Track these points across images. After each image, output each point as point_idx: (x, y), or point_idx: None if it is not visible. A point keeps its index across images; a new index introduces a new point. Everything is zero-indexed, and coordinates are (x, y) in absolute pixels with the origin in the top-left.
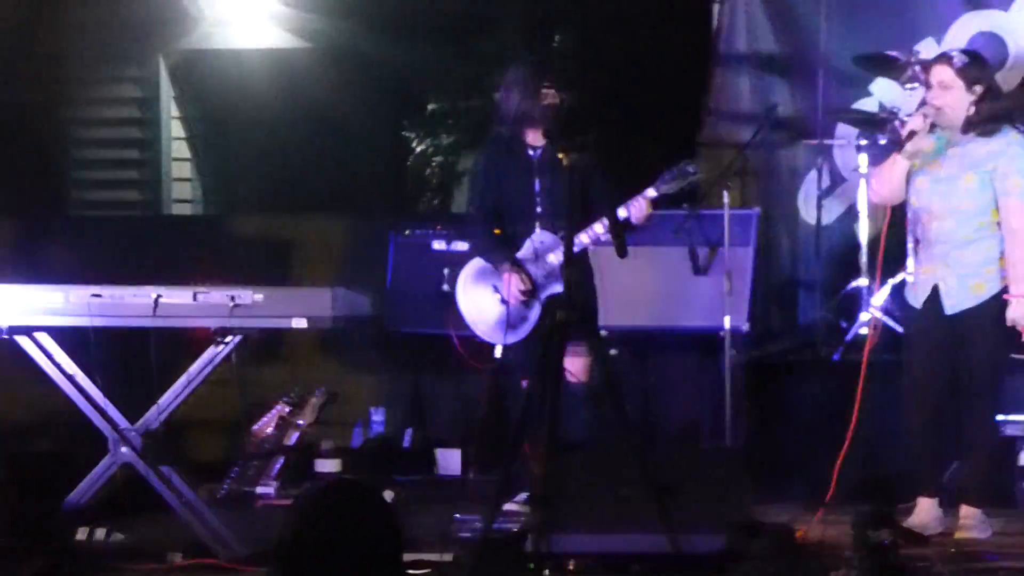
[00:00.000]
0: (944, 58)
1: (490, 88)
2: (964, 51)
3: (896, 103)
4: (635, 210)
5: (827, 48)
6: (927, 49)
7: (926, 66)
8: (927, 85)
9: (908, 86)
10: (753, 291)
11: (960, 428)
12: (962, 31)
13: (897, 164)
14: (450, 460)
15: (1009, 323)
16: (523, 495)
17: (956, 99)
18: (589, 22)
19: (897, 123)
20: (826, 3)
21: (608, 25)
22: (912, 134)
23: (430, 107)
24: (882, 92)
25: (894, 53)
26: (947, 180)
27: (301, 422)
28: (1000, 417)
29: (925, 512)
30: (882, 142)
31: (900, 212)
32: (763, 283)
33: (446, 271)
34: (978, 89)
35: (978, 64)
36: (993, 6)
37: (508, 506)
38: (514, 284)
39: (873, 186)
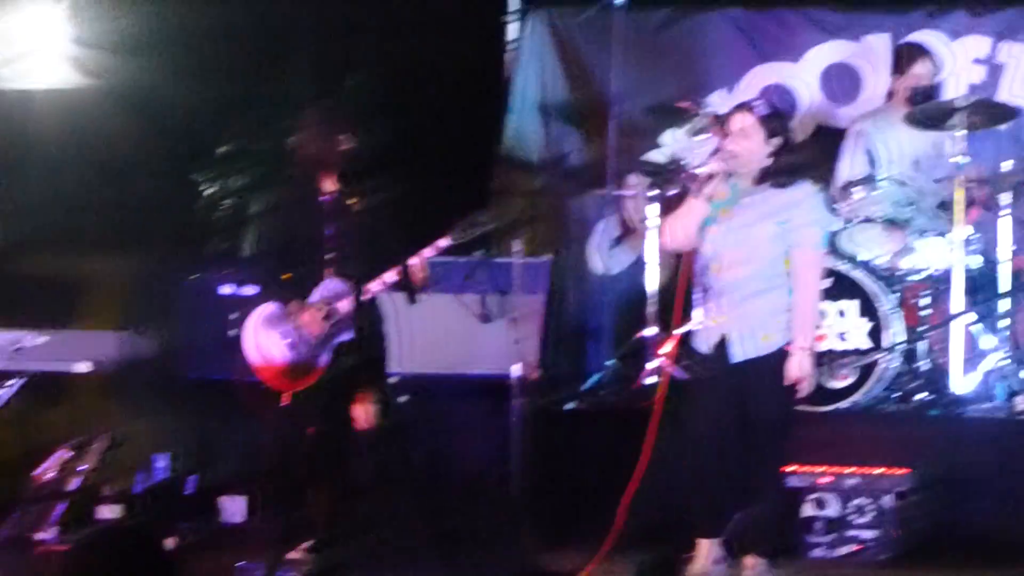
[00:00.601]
0: (746, 106)
1: (282, 131)
2: (766, 102)
3: (686, 154)
4: (412, 271)
5: (619, 98)
6: (718, 101)
7: (725, 115)
8: (725, 133)
9: (698, 137)
10: (543, 339)
11: (746, 477)
12: (753, 83)
13: (694, 209)
14: (235, 507)
15: (791, 377)
16: (308, 542)
17: (754, 148)
18: (384, 68)
19: (687, 175)
20: (618, 54)
21: (402, 71)
22: (711, 176)
23: (220, 149)
24: (672, 143)
25: (685, 104)
26: (741, 229)
27: (83, 467)
28: (785, 468)
29: (705, 556)
30: (672, 192)
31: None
32: (553, 331)
33: (234, 316)
34: (776, 140)
35: (777, 115)
36: (783, 58)
37: (292, 554)
38: (307, 317)
39: (668, 233)
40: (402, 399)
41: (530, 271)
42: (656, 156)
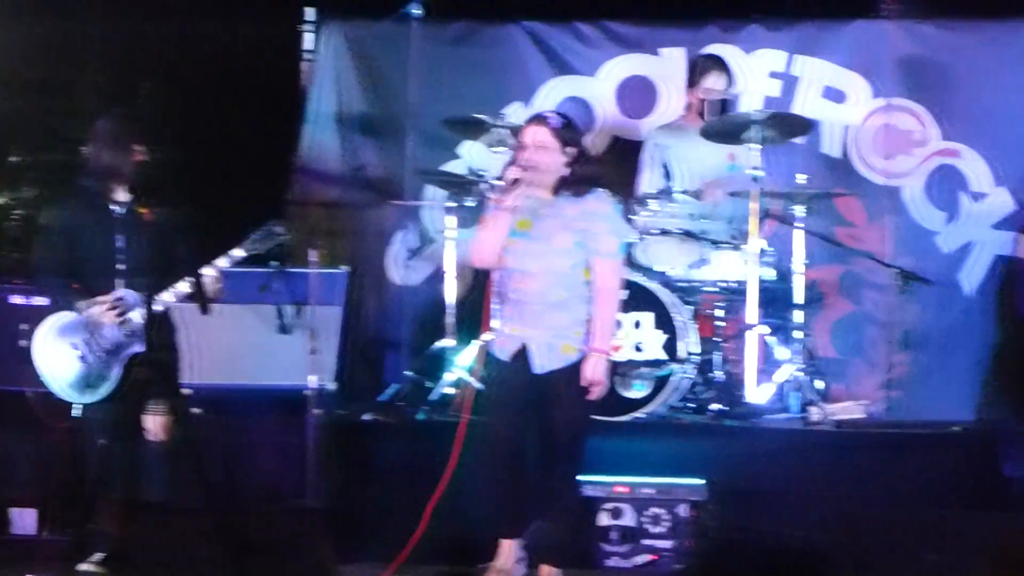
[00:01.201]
0: (541, 119)
1: (74, 141)
2: (560, 114)
3: (484, 166)
4: (205, 282)
5: (416, 110)
6: (515, 113)
7: (521, 127)
8: (521, 146)
9: (495, 149)
10: (341, 350)
11: (542, 487)
12: (550, 96)
13: (500, 221)
14: (25, 519)
15: (586, 379)
16: (99, 555)
17: (551, 159)
18: (177, 78)
19: (486, 185)
20: (415, 66)
21: (197, 82)
22: (509, 186)
23: (11, 159)
24: (470, 155)
25: (482, 116)
26: (540, 240)
27: None
28: (582, 477)
29: (507, 555)
30: (470, 204)
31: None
32: (351, 342)
33: (24, 326)
34: (571, 151)
35: (572, 127)
36: (580, 72)
37: (83, 566)
38: (98, 307)
39: (474, 250)
40: (195, 411)
41: (327, 282)
42: (453, 168)
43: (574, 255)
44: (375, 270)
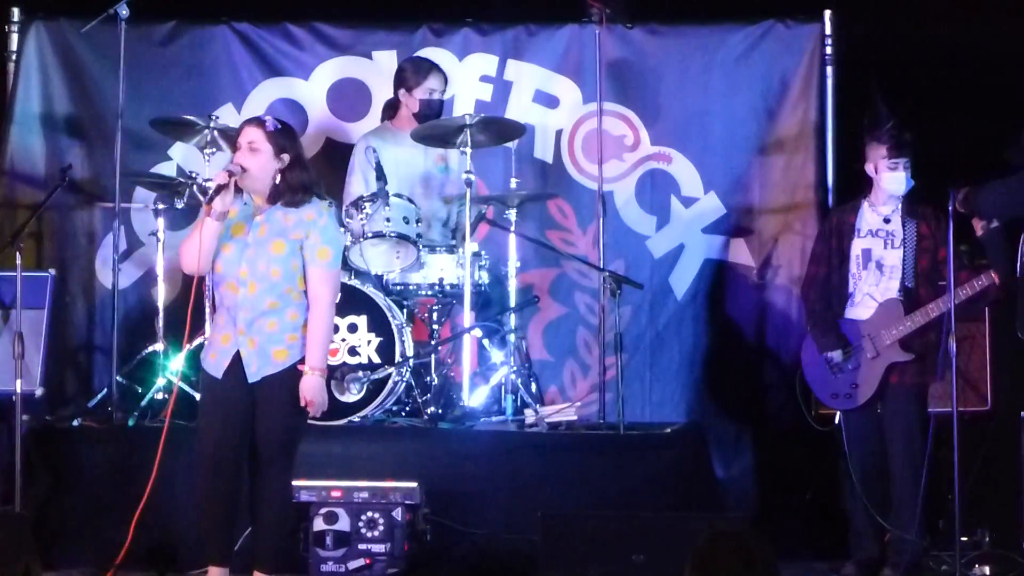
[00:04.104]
0: (256, 121)
1: None
2: (276, 118)
3: (195, 168)
4: None
5: (124, 111)
6: (226, 115)
7: (236, 129)
8: (235, 148)
9: (207, 151)
10: (47, 355)
11: (254, 494)
12: (262, 98)
13: (208, 226)
14: None
15: (303, 398)
16: None
17: (265, 163)
18: None
19: (197, 188)
20: (124, 66)
21: None
22: (221, 188)
23: None
24: (181, 157)
25: (192, 117)
26: (254, 246)
27: None
28: (296, 483)
29: None
30: (180, 206)
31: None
32: (58, 347)
33: None
34: (286, 157)
35: (288, 132)
36: (292, 73)
37: None
38: None
39: (185, 255)
40: None
41: (33, 285)
42: (163, 170)
43: (288, 263)
44: (83, 273)
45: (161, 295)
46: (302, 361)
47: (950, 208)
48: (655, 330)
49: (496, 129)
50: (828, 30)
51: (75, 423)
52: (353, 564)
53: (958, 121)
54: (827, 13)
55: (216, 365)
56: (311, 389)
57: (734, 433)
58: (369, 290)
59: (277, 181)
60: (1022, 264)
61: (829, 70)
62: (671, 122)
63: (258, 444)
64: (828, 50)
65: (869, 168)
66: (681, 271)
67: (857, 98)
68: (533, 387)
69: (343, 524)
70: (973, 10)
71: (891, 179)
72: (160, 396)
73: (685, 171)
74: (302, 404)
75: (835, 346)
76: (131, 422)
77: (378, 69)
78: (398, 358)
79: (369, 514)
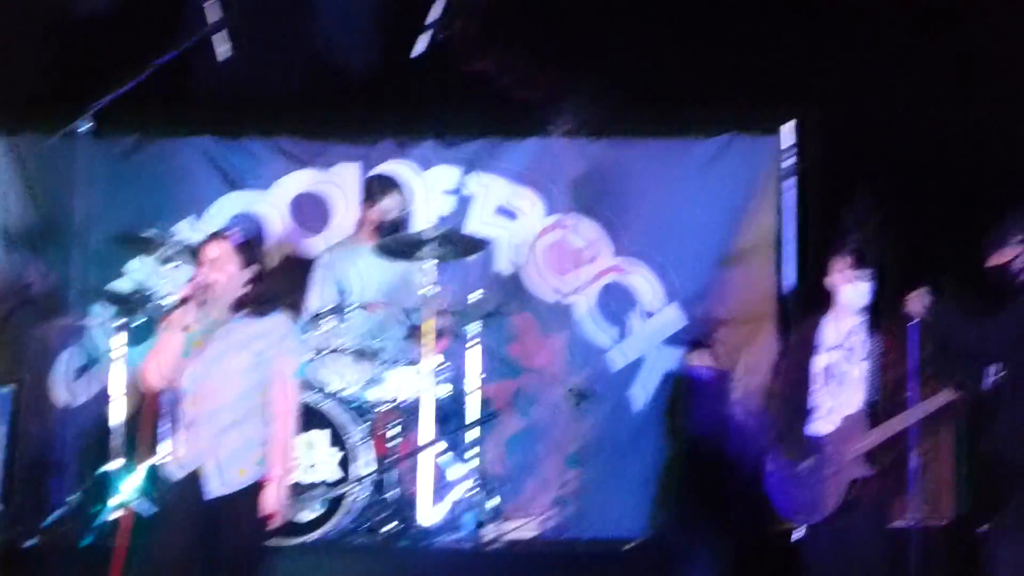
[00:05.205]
0: (220, 236)
1: None
2: (241, 231)
3: (154, 283)
4: None
5: (83, 226)
6: (187, 229)
7: (201, 243)
8: (200, 262)
9: (167, 265)
10: (4, 472)
11: None
12: (222, 211)
13: (172, 341)
14: None
15: (264, 509)
16: None
17: (230, 277)
18: None
19: (158, 302)
20: (84, 181)
21: None
22: (184, 301)
23: None
24: (140, 271)
25: (151, 233)
26: (215, 360)
27: None
28: None
29: None
30: (139, 323)
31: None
32: (14, 463)
33: None
34: (251, 270)
35: (252, 246)
36: (253, 186)
37: None
38: None
39: (146, 371)
40: None
41: None
42: (121, 285)
43: (250, 376)
44: (40, 390)
45: (118, 412)
46: (265, 475)
47: (912, 321)
48: (615, 443)
49: (457, 243)
50: (791, 142)
51: (30, 543)
52: None
53: (926, 229)
54: (786, 126)
55: (176, 481)
56: (273, 501)
57: (696, 547)
58: (327, 405)
59: (240, 294)
60: (988, 379)
61: (792, 181)
62: (634, 234)
63: (224, 560)
64: (791, 161)
65: (831, 281)
66: (641, 383)
67: (819, 210)
68: (492, 503)
69: None
70: (941, 118)
71: (853, 292)
72: (116, 516)
73: (646, 282)
74: (264, 517)
75: (805, 456)
76: (86, 542)
77: (339, 182)
78: (356, 475)
79: None
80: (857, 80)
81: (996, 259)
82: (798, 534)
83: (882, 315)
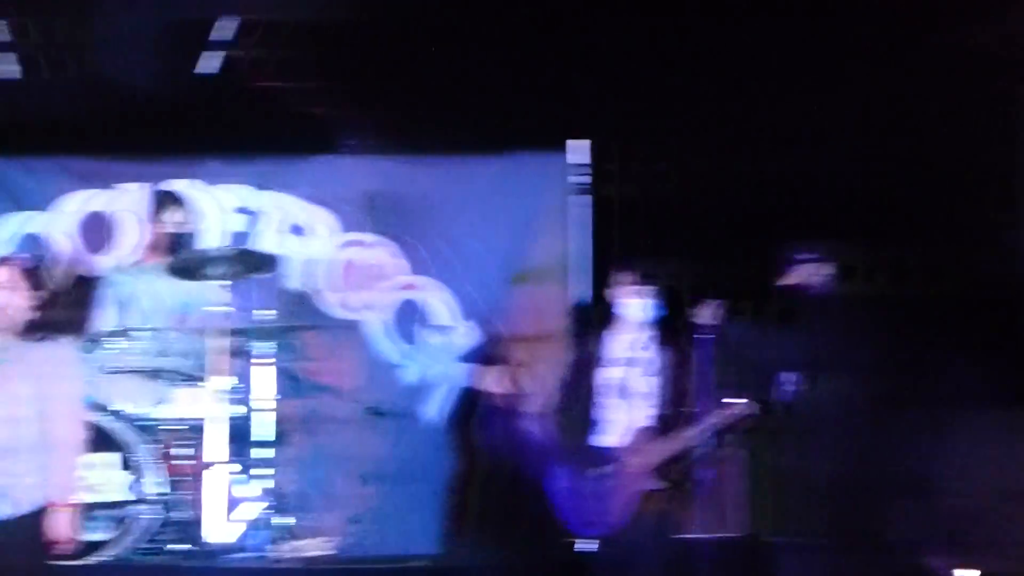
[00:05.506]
0: (6, 260)
1: None
2: (29, 254)
3: None
4: None
5: None
6: None
7: None
8: None
9: None
10: None
11: None
12: (6, 233)
13: None
14: None
15: (49, 536)
16: None
17: (19, 301)
18: None
19: None
20: None
21: None
22: None
23: None
24: None
25: None
26: (2, 386)
27: None
28: None
29: None
30: None
31: None
32: None
33: None
34: (40, 292)
35: (40, 269)
36: (35, 207)
37: None
38: None
39: None
40: None
41: None
42: None
43: (33, 402)
44: None
45: None
46: (50, 498)
47: (703, 334)
48: (408, 460)
49: (247, 261)
50: (582, 159)
51: None
52: None
53: (719, 246)
54: (575, 143)
55: None
56: (57, 526)
57: (489, 562)
58: (115, 426)
59: (27, 318)
60: (782, 389)
61: (586, 199)
62: (428, 251)
63: None
64: (583, 179)
65: (615, 295)
66: (435, 400)
67: (611, 228)
68: (285, 521)
69: None
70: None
71: (637, 307)
72: None
73: (440, 300)
74: (50, 539)
75: (594, 469)
76: None
77: (125, 200)
78: (144, 495)
79: None
80: (649, 103)
81: (787, 279)
82: (588, 547)
83: (672, 329)
